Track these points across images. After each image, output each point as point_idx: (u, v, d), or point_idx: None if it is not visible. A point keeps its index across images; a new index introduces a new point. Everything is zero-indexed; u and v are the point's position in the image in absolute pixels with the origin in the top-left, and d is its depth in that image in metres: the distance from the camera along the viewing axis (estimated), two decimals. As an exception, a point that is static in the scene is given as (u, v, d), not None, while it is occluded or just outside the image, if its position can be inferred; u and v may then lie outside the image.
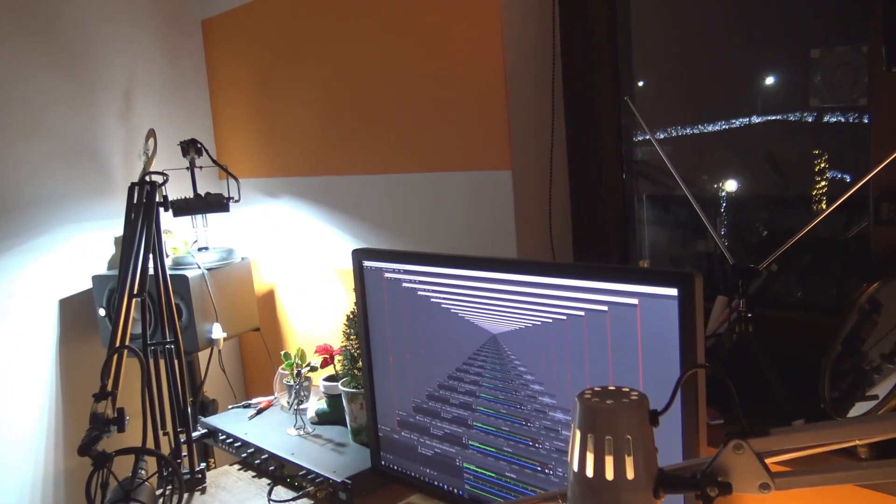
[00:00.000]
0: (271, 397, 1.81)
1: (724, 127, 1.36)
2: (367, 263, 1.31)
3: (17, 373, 1.91)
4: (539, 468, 1.10)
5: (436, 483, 1.29)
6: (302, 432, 1.62)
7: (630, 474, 0.56)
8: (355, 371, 1.53)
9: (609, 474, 0.56)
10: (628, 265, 1.55)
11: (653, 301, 0.91)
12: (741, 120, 1.33)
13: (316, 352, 1.67)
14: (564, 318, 1.01)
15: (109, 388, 0.99)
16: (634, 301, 0.93)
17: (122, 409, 0.98)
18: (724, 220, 1.39)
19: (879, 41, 0.98)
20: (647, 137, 1.37)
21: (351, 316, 1.55)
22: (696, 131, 1.41)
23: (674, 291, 0.89)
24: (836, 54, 1.18)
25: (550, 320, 1.03)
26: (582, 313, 0.99)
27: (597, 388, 0.59)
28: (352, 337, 1.55)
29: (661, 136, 1.44)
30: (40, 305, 1.94)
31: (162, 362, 1.53)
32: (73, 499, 2.02)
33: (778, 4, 1.30)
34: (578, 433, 0.57)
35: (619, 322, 0.95)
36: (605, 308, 0.97)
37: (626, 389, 0.59)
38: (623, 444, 0.56)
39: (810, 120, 1.24)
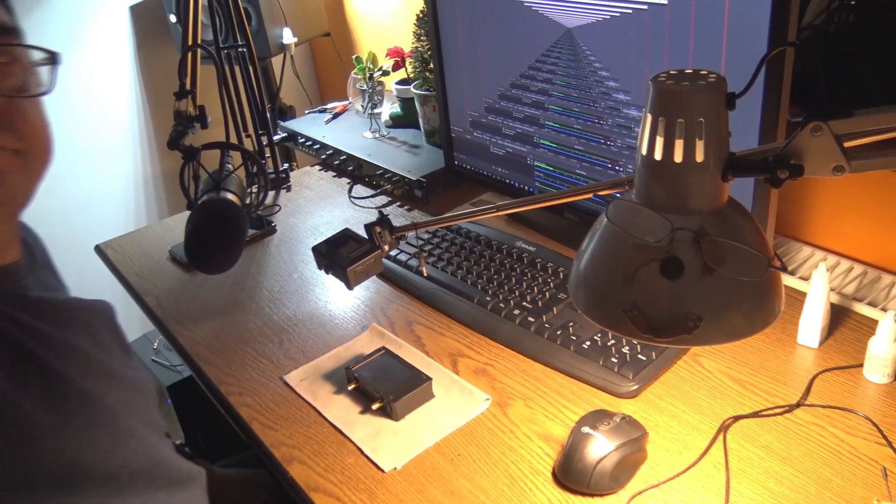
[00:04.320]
0: (346, 102, 1.84)
1: None
2: (435, -45, 1.23)
3: (101, 85, 1.98)
4: (609, 165, 1.12)
5: (507, 181, 1.33)
6: (377, 135, 1.66)
7: (699, 157, 0.55)
8: (427, 73, 1.52)
9: (678, 157, 0.55)
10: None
11: (744, -15, 0.84)
12: None
13: (387, 55, 1.64)
14: (646, 7, 0.95)
15: (188, 86, 1.02)
16: (724, -14, 0.86)
17: (202, 106, 1.01)
18: None
19: None
20: None
21: (421, 15, 1.49)
22: None
23: (769, -27, 0.81)
24: None
25: (630, 10, 0.96)
26: (666, 1, 0.92)
27: (673, 72, 0.57)
28: (423, 38, 1.51)
29: None
30: (112, 14, 1.94)
31: (237, 69, 1.55)
32: (170, 195, 2.19)
33: None
34: (650, 117, 0.56)
35: (706, 9, 0.89)
36: (690, -5, 0.90)
37: (704, 72, 0.56)
38: (695, 127, 0.54)
39: None
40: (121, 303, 1.76)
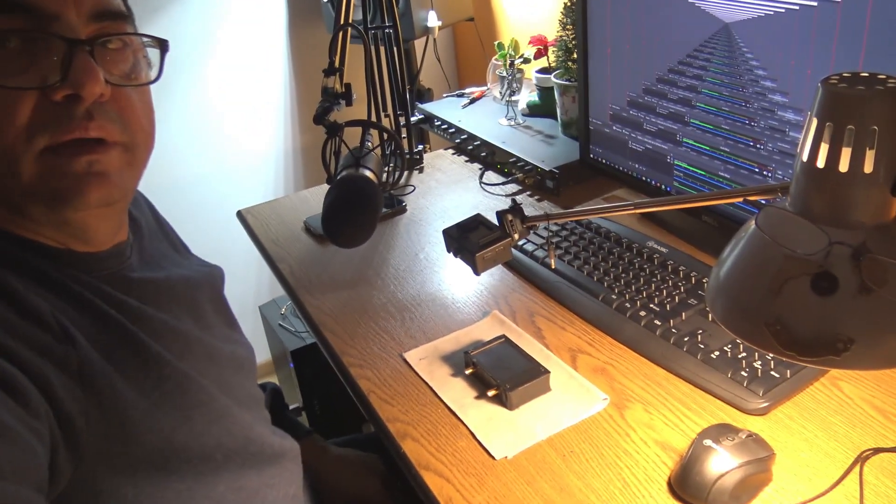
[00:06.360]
0: (484, 88, 1.84)
1: None
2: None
3: (255, 61, 2.07)
4: (757, 169, 1.06)
5: (643, 178, 1.29)
6: (513, 123, 1.65)
7: (868, 168, 0.51)
8: (569, 63, 1.49)
9: (843, 166, 0.52)
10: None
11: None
12: None
13: (530, 42, 1.63)
14: (815, 4, 0.89)
15: (337, 64, 1.05)
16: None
17: (349, 84, 1.04)
18: None
19: None
20: None
21: (568, 4, 1.47)
22: None
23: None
24: None
25: (798, 7, 0.91)
26: (837, -1, 0.86)
27: (846, 74, 0.53)
28: (568, 27, 1.49)
29: None
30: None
31: (382, 50, 1.58)
32: (308, 168, 2.28)
33: None
34: (815, 121, 0.52)
35: (886, 7, 0.82)
36: (867, -7, 0.83)
37: (882, 76, 0.52)
38: (866, 136, 0.50)
39: None
40: (255, 267, 1.85)
